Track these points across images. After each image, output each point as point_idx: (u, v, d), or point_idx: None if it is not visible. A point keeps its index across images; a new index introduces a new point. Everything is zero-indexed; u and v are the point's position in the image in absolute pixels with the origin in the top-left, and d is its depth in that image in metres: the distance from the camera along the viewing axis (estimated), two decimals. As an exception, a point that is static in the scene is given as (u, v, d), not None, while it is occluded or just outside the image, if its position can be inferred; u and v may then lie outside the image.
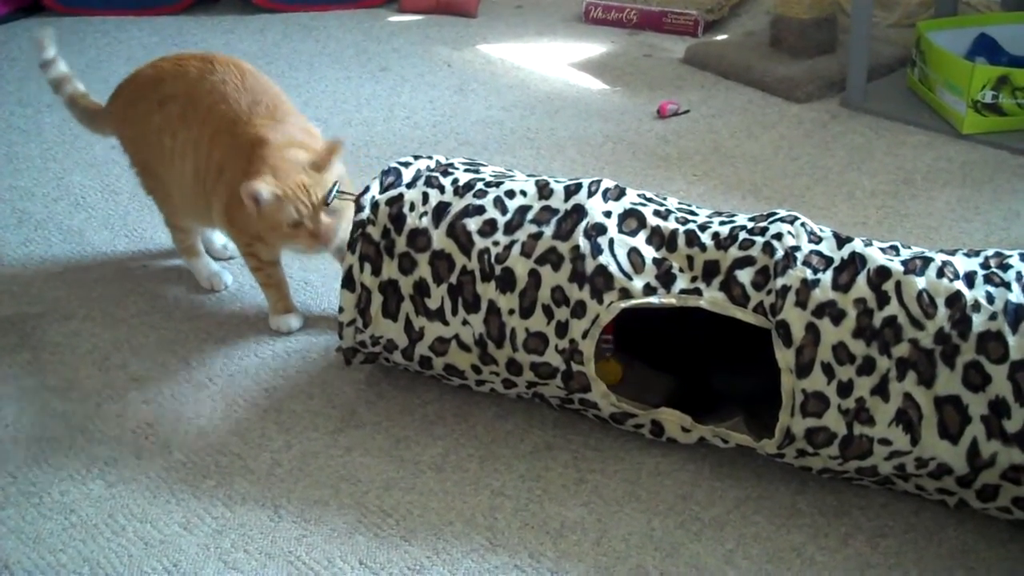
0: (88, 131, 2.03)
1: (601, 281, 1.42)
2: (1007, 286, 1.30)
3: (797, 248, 1.39)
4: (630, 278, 1.42)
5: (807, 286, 1.34)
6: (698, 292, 1.41)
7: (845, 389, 1.31)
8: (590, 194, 1.50)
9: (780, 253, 1.38)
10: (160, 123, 1.78)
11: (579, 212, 1.48)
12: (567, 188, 1.53)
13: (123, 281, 2.00)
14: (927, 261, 1.35)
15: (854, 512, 1.40)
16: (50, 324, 1.88)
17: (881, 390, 1.30)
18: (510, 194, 1.54)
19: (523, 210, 1.52)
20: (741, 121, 2.53)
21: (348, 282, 1.56)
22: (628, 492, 1.45)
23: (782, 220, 1.44)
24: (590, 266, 1.43)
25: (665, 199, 1.55)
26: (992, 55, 2.48)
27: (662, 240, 1.46)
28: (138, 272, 2.03)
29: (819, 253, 1.38)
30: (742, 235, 1.43)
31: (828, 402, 1.32)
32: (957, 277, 1.32)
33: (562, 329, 1.44)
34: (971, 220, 2.06)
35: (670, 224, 1.47)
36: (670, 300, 1.41)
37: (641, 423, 1.48)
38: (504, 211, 1.52)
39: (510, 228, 1.50)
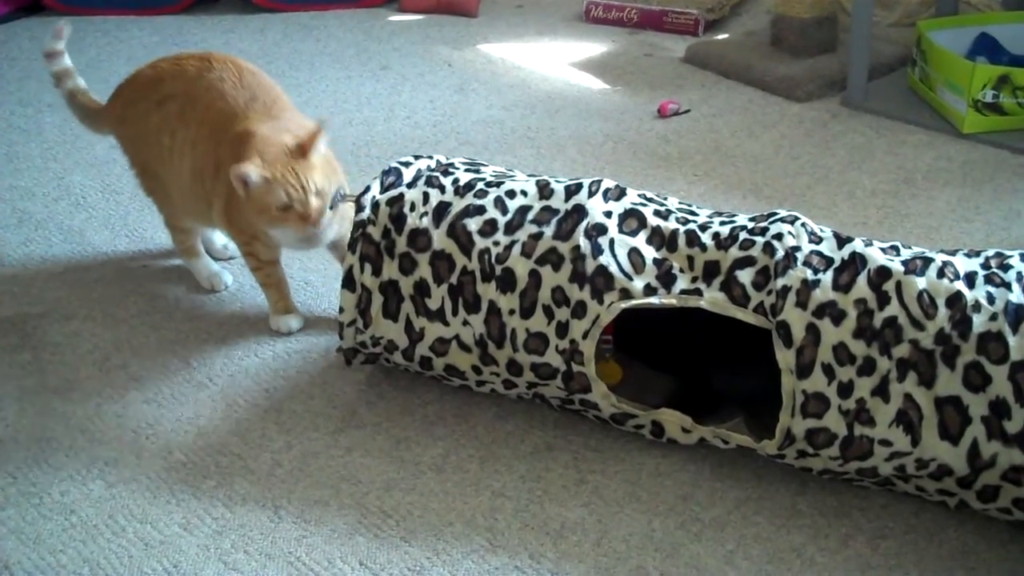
0: (87, 129, 2.03)
1: (601, 281, 1.42)
2: (1008, 286, 1.30)
3: (797, 248, 1.38)
4: (630, 278, 1.42)
5: (807, 286, 1.34)
6: (698, 292, 1.40)
7: (845, 390, 1.31)
8: (591, 194, 1.50)
9: (780, 253, 1.38)
10: (159, 122, 1.78)
11: (580, 212, 1.47)
12: (568, 188, 1.52)
13: (124, 281, 2.00)
14: (927, 261, 1.35)
15: (854, 513, 1.39)
16: (51, 324, 1.87)
17: (881, 391, 1.30)
18: (511, 194, 1.54)
19: (524, 210, 1.51)
20: (742, 120, 2.53)
21: (348, 282, 1.56)
22: (628, 493, 1.44)
23: (782, 220, 1.44)
24: (590, 266, 1.43)
25: (665, 199, 1.55)
26: (993, 54, 2.48)
27: (662, 240, 1.46)
28: (138, 272, 2.03)
29: (819, 253, 1.38)
30: (742, 235, 1.43)
31: (828, 403, 1.31)
32: (958, 277, 1.32)
33: (562, 329, 1.44)
34: (972, 220, 2.05)
35: (670, 224, 1.47)
36: (670, 300, 1.41)
37: (641, 424, 1.48)
38: (505, 211, 1.52)
39: (511, 228, 1.50)
